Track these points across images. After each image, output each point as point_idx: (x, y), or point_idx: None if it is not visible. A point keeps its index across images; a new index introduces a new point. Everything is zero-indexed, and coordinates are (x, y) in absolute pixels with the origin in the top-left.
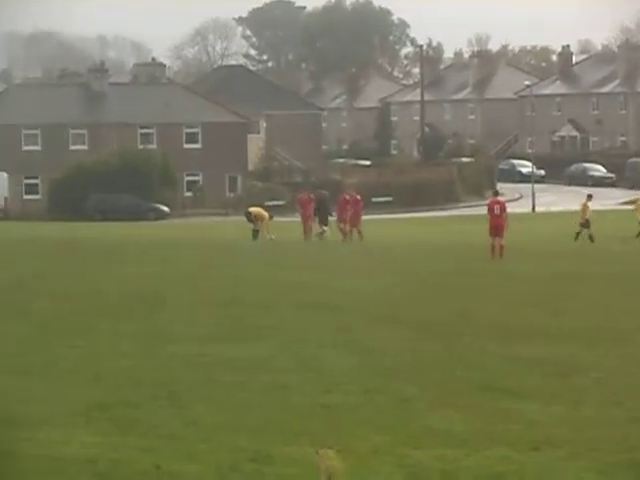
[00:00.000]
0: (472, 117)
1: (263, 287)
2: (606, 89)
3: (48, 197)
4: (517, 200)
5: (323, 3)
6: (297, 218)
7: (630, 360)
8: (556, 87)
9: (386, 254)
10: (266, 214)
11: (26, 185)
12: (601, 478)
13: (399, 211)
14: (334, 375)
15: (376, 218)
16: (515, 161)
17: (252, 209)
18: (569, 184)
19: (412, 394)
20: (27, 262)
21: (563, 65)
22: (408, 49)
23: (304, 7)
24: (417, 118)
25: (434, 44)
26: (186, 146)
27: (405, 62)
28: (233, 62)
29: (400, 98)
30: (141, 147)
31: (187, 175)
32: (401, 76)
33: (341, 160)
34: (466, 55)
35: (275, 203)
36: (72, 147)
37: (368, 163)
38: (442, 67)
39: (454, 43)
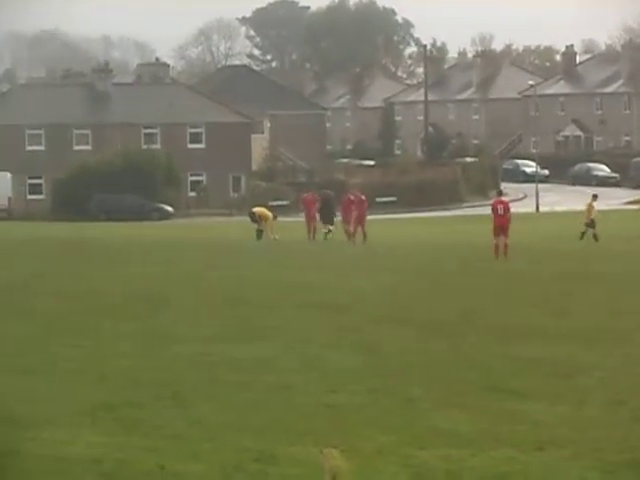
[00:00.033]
0: (476, 117)
1: (267, 287)
2: (610, 89)
3: (52, 197)
4: (521, 200)
5: (327, 3)
6: (301, 218)
7: (634, 360)
8: (560, 87)
9: (390, 254)
10: (270, 214)
11: (30, 185)
12: (605, 478)
13: (403, 211)
14: (338, 375)
15: (380, 218)
16: (519, 161)
17: (256, 209)
18: (573, 184)
19: (417, 394)
20: (31, 262)
21: (567, 65)
22: (412, 49)
23: (308, 7)
24: (421, 118)
25: (438, 44)
26: (190, 146)
27: (409, 62)
28: (237, 62)
29: (404, 98)
30: (145, 147)
31: (191, 175)
32: (405, 76)
33: (345, 160)
34: (470, 55)
35: (279, 203)
36: (76, 147)
37: (372, 163)
38: (446, 67)
39: (458, 43)
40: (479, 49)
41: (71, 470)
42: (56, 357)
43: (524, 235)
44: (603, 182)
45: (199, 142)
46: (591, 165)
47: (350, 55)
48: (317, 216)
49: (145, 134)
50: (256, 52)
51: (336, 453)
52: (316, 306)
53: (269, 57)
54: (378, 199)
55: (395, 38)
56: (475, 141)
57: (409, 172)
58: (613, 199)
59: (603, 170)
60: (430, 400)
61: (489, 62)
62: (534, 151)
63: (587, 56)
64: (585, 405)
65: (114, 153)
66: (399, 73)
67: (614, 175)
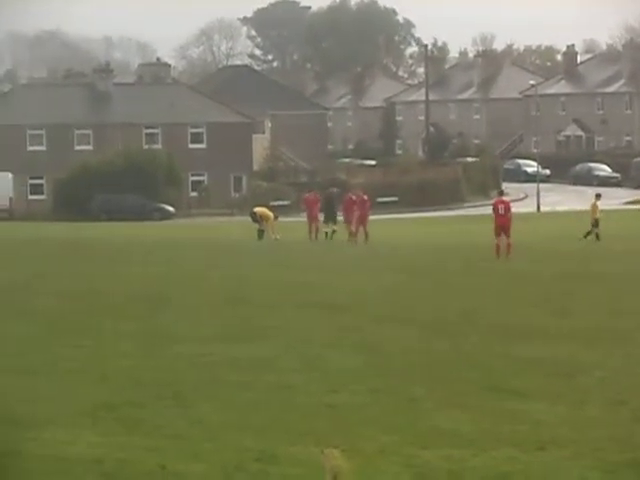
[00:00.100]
0: (477, 117)
1: (268, 287)
2: (611, 89)
3: (53, 197)
4: (522, 200)
5: (328, 3)
6: (302, 218)
7: (634, 360)
8: (561, 87)
9: (391, 254)
10: (271, 214)
11: (31, 185)
12: (606, 477)
13: (404, 211)
14: (339, 375)
15: (381, 218)
16: (520, 161)
17: (257, 209)
18: (574, 184)
19: (419, 394)
20: (32, 262)
21: (568, 65)
22: (413, 49)
23: (309, 7)
24: (422, 118)
25: (439, 44)
26: (191, 146)
27: (410, 62)
28: (238, 62)
29: (405, 98)
30: (146, 147)
31: (192, 175)
32: (406, 76)
33: (346, 160)
34: (471, 55)
35: (280, 203)
36: (77, 147)
37: (373, 163)
38: (447, 67)
39: (459, 43)
40: (480, 49)
41: (72, 470)
42: (57, 357)
43: (525, 235)
44: (604, 182)
45: (200, 142)
46: (592, 165)
47: (351, 55)
48: (319, 216)
49: (146, 134)
50: (257, 52)
51: (337, 453)
52: (317, 306)
53: (270, 57)
54: (379, 199)
55: (396, 38)
56: (476, 141)
57: (410, 172)
58: (614, 199)
59: (604, 170)
60: (432, 400)
61: (490, 62)
62: (535, 151)
63: (588, 56)
64: (586, 405)
65: (115, 153)
66: (400, 73)
67: (615, 175)
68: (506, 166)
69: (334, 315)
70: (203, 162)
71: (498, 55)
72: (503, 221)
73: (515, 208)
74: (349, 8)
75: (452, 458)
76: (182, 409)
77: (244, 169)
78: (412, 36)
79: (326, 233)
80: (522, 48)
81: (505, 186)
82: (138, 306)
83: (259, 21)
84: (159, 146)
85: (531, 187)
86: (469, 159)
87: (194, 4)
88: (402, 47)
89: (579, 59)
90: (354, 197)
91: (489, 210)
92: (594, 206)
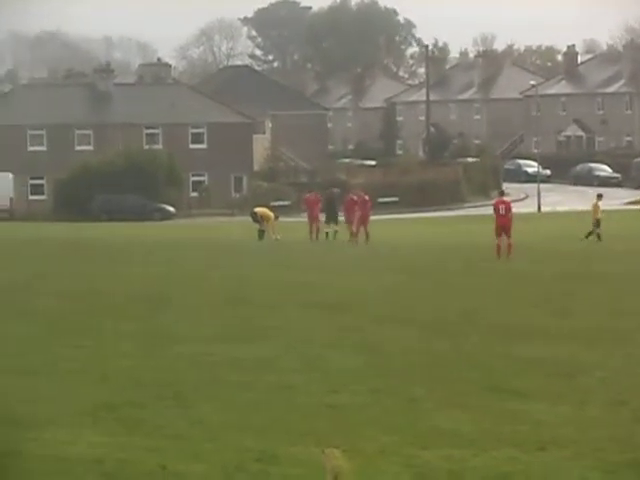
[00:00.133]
0: (477, 117)
1: (269, 287)
2: (611, 89)
3: (54, 197)
4: (523, 200)
5: (329, 3)
6: (303, 218)
7: (635, 360)
8: (561, 87)
9: (391, 254)
10: (272, 214)
11: (32, 186)
12: (606, 478)
13: (405, 211)
14: (340, 375)
15: (382, 218)
16: (521, 161)
17: (258, 209)
18: (575, 184)
19: (419, 394)
20: (33, 262)
21: (568, 65)
22: (414, 49)
23: (309, 7)
24: (422, 118)
25: (440, 44)
26: (192, 146)
27: (411, 62)
28: (239, 62)
29: (406, 98)
30: (147, 147)
31: (193, 175)
32: (407, 76)
33: (347, 160)
34: (471, 55)
35: (281, 203)
36: (78, 147)
37: (374, 163)
38: (447, 67)
39: (459, 43)
40: (481, 49)
41: (72, 470)
42: (58, 357)
43: (526, 235)
44: (605, 182)
45: (201, 142)
46: (593, 165)
47: (352, 55)
48: (320, 217)
49: (147, 134)
50: (258, 52)
51: (338, 453)
52: (318, 306)
53: (271, 57)
54: (380, 199)
55: (397, 38)
56: (477, 141)
57: (411, 172)
58: (615, 199)
59: (605, 170)
60: (432, 400)
61: (491, 62)
62: (536, 151)
63: (589, 56)
64: (586, 405)
65: (116, 153)
66: (401, 73)
67: (616, 175)
68: (507, 166)
69: (335, 315)
70: (204, 162)
71: (499, 55)
72: (504, 221)
73: (516, 208)
74: (349, 8)
75: (452, 458)
76: (183, 409)
77: (244, 169)
78: (413, 36)
79: (327, 233)
80: (522, 48)
81: (506, 186)
82: (139, 306)
83: (260, 21)
84: (160, 146)
85: (532, 187)
86: (469, 159)
87: (194, 4)
88: (403, 47)
89: (579, 59)
90: (355, 197)
91: (490, 210)
92: (596, 206)
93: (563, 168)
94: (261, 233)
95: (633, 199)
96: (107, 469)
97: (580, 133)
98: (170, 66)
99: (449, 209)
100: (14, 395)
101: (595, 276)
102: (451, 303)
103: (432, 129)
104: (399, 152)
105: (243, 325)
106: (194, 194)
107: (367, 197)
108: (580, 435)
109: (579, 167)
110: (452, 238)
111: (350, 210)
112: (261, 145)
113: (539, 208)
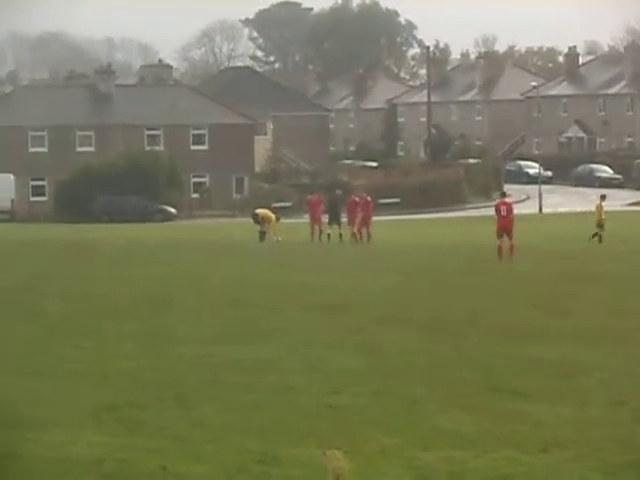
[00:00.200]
0: (479, 118)
1: (270, 289)
2: (613, 90)
3: (55, 199)
4: (524, 201)
5: (330, 4)
6: (304, 219)
7: (636, 360)
8: (563, 88)
9: (393, 255)
10: (273, 216)
11: (33, 187)
12: (607, 479)
13: (406, 212)
14: (341, 376)
15: (383, 219)
16: (522, 162)
17: (259, 211)
18: (576, 185)
19: (420, 395)
20: (34, 264)
21: (570, 66)
22: (415, 50)
23: (311, 8)
24: (424, 119)
25: (441, 45)
26: (193, 147)
27: (412, 63)
28: (240, 63)
29: (407, 99)
30: (148, 149)
31: (194, 177)
32: (408, 77)
33: (348, 161)
34: (473, 56)
35: (282, 205)
36: (79, 149)
37: (375, 164)
38: (449, 68)
39: (461, 44)
40: (482, 50)
41: (73, 470)
42: (59, 358)
43: (527, 236)
44: (606, 183)
45: (202, 143)
46: (594, 166)
47: (353, 56)
48: (322, 218)
49: (148, 135)
50: (259, 53)
51: (339, 454)
52: (319, 307)
53: (272, 58)
54: (381, 200)
55: (398, 39)
56: (478, 142)
57: (412, 173)
58: (616, 200)
59: (606, 171)
60: (433, 401)
61: (492, 63)
62: (537, 152)
63: (590, 57)
64: (587, 405)
65: (117, 154)
66: (402, 74)
67: (617, 176)
68: (508, 167)
69: (336, 316)
70: (205, 163)
71: (500, 57)
72: (505, 222)
73: (517, 209)
74: (351, 9)
75: (453, 459)
76: (184, 410)
77: (246, 170)
78: (414, 38)
79: (328, 235)
80: (524, 49)
81: (507, 187)
82: (140, 307)
83: (261, 22)
84: (161, 147)
85: (533, 188)
86: (471, 160)
87: (196, 6)
88: (404, 49)
89: (581, 61)
90: (357, 199)
91: (491, 211)
92: (599, 207)
93: (564, 169)
94: (262, 234)
95: (635, 200)
96: (107, 470)
97: (581, 134)
98: (171, 67)
99: (450, 210)
100: (15, 396)
101: (596, 276)
102: (452, 304)
103: (433, 130)
104: (400, 153)
105: (244, 326)
106: (195, 195)
107: (369, 198)
108: (581, 435)
109: (580, 168)
110: (453, 239)
111: (352, 211)
112: (262, 146)
113: (540, 209)
